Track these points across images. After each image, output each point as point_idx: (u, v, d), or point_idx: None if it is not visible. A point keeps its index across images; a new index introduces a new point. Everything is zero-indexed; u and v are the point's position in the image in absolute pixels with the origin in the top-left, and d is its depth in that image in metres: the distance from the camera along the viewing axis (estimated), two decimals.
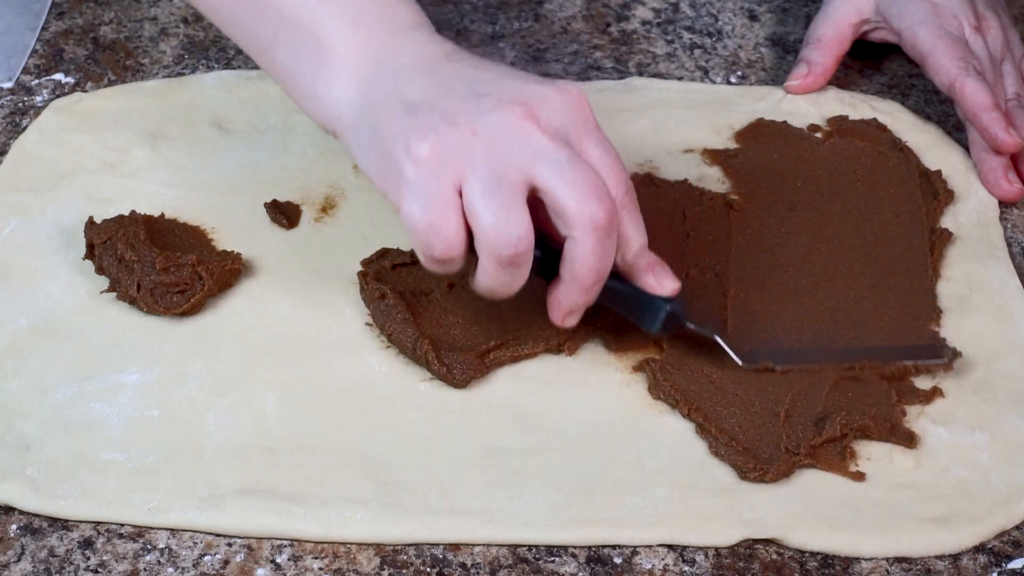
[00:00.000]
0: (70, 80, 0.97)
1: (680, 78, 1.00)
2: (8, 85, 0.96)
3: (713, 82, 1.00)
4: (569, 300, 0.72)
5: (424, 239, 0.69)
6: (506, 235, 0.67)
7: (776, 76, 1.01)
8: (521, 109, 0.68)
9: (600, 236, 0.69)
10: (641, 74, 1.00)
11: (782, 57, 1.03)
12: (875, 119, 0.94)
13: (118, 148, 0.90)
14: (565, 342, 0.78)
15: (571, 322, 0.73)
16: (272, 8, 0.74)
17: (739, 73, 1.01)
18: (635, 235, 0.72)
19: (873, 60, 1.02)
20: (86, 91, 0.96)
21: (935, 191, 0.89)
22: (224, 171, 0.89)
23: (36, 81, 0.97)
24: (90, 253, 0.81)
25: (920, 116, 0.97)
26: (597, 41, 1.03)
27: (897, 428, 0.74)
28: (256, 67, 0.98)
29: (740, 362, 0.76)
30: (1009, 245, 0.87)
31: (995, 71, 0.92)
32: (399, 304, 0.78)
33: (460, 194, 0.68)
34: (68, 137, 0.91)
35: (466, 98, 0.69)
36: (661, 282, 0.73)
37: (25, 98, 0.95)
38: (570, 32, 1.04)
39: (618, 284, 0.74)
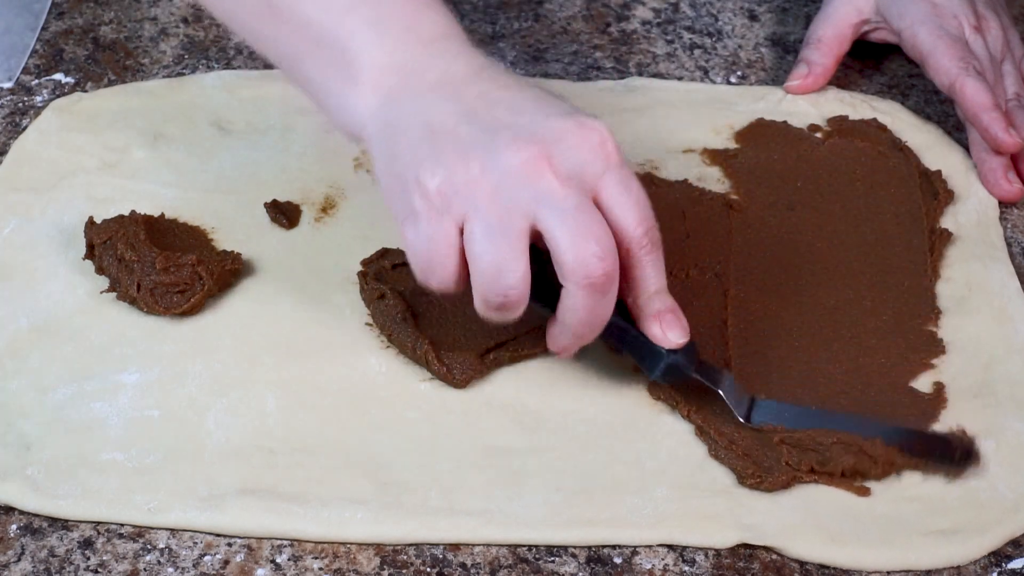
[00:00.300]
0: (70, 80, 0.97)
1: (680, 78, 1.00)
2: (8, 85, 0.96)
3: (713, 82, 1.00)
4: (563, 340, 0.70)
5: (422, 269, 0.68)
6: (499, 283, 0.66)
7: (776, 76, 1.01)
8: (535, 148, 0.66)
9: (594, 292, 0.67)
10: (641, 74, 1.00)
11: (782, 57, 1.03)
12: (875, 119, 0.95)
13: (118, 148, 0.90)
14: None
15: (567, 355, 0.72)
16: (299, 20, 0.73)
17: (739, 73, 1.01)
18: (650, 277, 0.70)
19: (873, 60, 1.02)
20: (86, 91, 0.96)
21: (935, 191, 0.89)
22: (224, 171, 0.89)
23: (36, 81, 0.97)
24: (90, 253, 0.81)
25: (920, 116, 0.97)
26: (597, 41, 1.03)
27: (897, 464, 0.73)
28: (256, 67, 0.98)
29: (742, 419, 0.74)
30: (1009, 245, 0.87)
31: (995, 71, 0.92)
32: (399, 304, 0.78)
33: (463, 231, 0.67)
34: (68, 137, 0.91)
35: (483, 131, 0.67)
36: (667, 334, 0.70)
37: (25, 98, 0.95)
38: (570, 32, 1.04)
39: (623, 323, 0.71)
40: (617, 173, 0.68)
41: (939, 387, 0.77)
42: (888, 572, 0.69)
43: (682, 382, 0.73)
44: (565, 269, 0.66)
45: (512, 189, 0.66)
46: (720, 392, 0.73)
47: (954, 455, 0.72)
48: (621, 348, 0.73)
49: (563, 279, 0.67)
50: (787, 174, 0.90)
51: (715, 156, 0.92)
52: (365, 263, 0.81)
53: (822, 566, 0.69)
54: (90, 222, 0.81)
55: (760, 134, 0.94)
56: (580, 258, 0.66)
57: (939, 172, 0.90)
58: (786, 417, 0.74)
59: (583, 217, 0.66)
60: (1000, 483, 0.72)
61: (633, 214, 0.68)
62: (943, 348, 0.79)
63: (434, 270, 0.68)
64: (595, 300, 0.67)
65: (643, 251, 0.69)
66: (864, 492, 0.71)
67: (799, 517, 0.71)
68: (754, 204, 0.88)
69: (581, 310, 0.68)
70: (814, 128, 0.94)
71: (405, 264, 0.80)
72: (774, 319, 0.80)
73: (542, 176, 0.66)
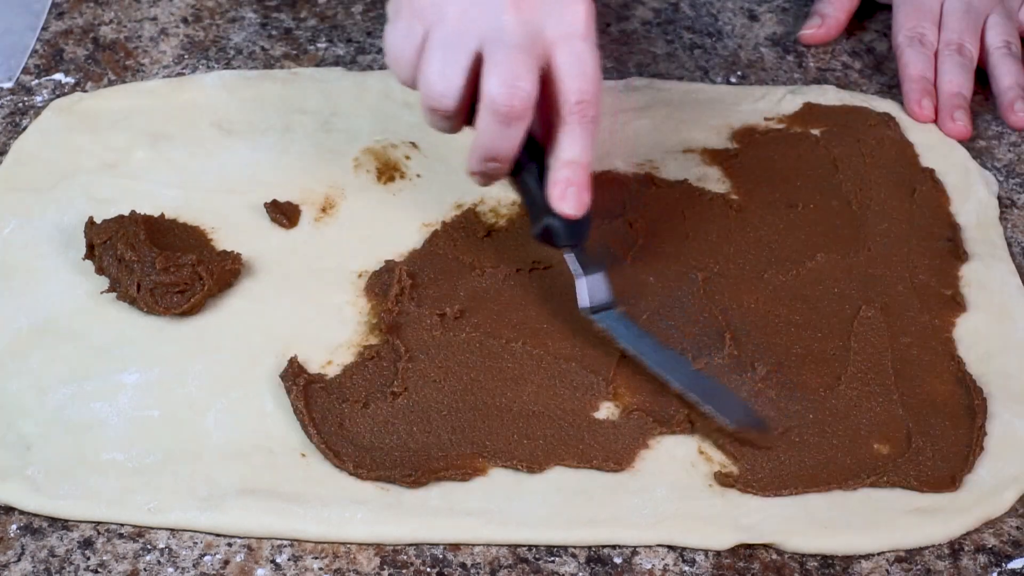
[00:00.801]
0: (70, 80, 0.97)
1: (680, 78, 1.00)
2: (8, 85, 0.96)
3: (713, 82, 1.00)
4: (473, 160, 0.76)
5: (392, 63, 0.76)
6: (433, 89, 0.73)
7: (776, 76, 1.01)
8: None
9: (497, 120, 0.72)
10: (641, 74, 1.00)
11: (782, 57, 1.03)
12: (876, 117, 0.95)
13: (118, 148, 0.90)
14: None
15: (480, 181, 0.77)
16: None
17: (739, 73, 1.01)
18: (567, 145, 0.74)
19: (873, 60, 1.02)
20: (86, 91, 0.96)
21: (935, 190, 0.89)
22: (224, 171, 0.89)
23: (36, 81, 0.97)
24: (90, 253, 0.81)
25: None
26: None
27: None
28: (256, 67, 0.98)
29: (583, 304, 0.77)
30: (1009, 245, 0.87)
31: (968, 23, 0.97)
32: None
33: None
34: (68, 137, 0.91)
35: None
36: (562, 201, 0.74)
37: (25, 98, 0.95)
38: None
39: (532, 174, 0.76)
40: (578, 43, 0.73)
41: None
42: (887, 567, 0.70)
43: (554, 248, 0.77)
44: (483, 92, 0.72)
45: (477, 14, 0.72)
46: (576, 280, 0.77)
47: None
48: (522, 195, 0.78)
49: (480, 102, 0.73)
50: (787, 174, 0.90)
51: (715, 156, 0.92)
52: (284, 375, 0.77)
53: (821, 566, 0.70)
54: (90, 222, 0.81)
55: (760, 134, 0.94)
56: (494, 86, 0.71)
57: (932, 171, 0.91)
58: (624, 333, 0.76)
59: (515, 56, 0.71)
60: (981, 468, 0.73)
61: (575, 84, 0.73)
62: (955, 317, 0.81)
63: (399, 66, 0.75)
64: (498, 128, 0.73)
65: (571, 118, 0.73)
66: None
67: (794, 513, 0.71)
68: (754, 204, 0.88)
69: (485, 133, 0.73)
70: (806, 117, 0.94)
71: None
72: (774, 318, 0.80)
73: (505, 11, 0.72)
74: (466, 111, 0.75)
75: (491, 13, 0.72)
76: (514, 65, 0.71)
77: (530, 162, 0.76)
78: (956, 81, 0.96)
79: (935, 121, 0.95)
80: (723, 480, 0.72)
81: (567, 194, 0.74)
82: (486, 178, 0.77)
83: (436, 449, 0.73)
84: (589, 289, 0.77)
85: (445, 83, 0.73)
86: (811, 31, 1.03)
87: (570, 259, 0.77)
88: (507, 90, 0.71)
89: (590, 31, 0.74)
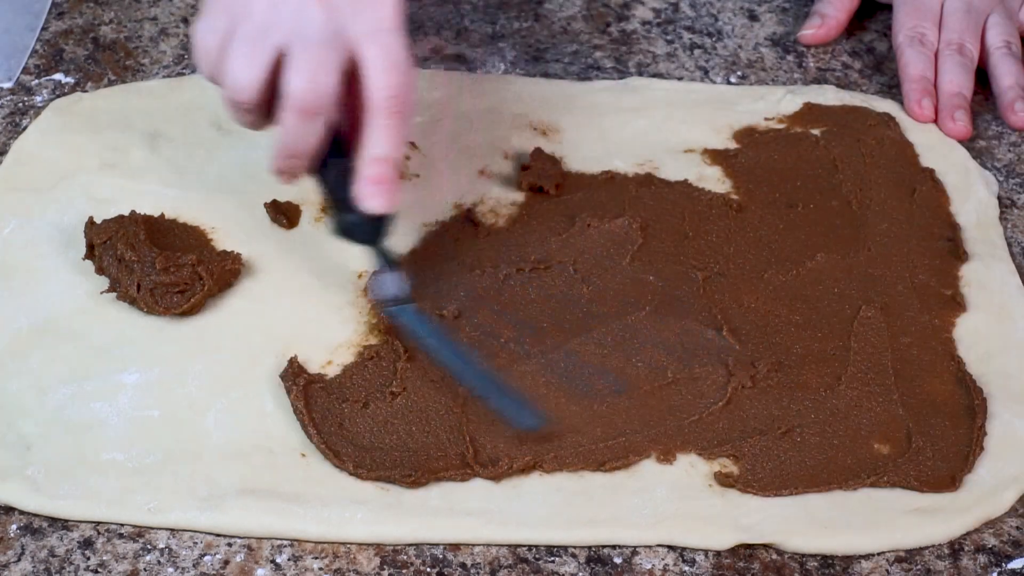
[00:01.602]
0: (70, 80, 0.97)
1: (680, 78, 1.00)
2: (8, 85, 0.96)
3: (713, 82, 1.00)
4: (276, 158, 0.75)
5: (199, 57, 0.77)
6: (232, 82, 0.73)
7: (776, 76, 1.01)
8: None
9: (295, 116, 0.72)
10: (641, 74, 1.00)
11: (782, 57, 1.03)
12: (876, 117, 0.95)
13: (118, 148, 0.90)
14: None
15: (283, 179, 0.77)
16: None
17: (739, 73, 1.01)
18: (377, 141, 0.73)
19: (873, 60, 1.02)
20: (86, 91, 0.96)
21: (935, 190, 0.89)
22: (224, 171, 0.89)
23: (36, 81, 0.97)
24: (90, 253, 0.81)
25: None
26: (597, 41, 1.03)
27: None
28: None
29: (373, 296, 0.78)
30: (1009, 245, 0.87)
31: (968, 22, 0.97)
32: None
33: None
34: (68, 137, 0.91)
35: None
36: (367, 198, 0.74)
37: (25, 98, 0.95)
38: (570, 32, 1.04)
39: (334, 172, 0.76)
40: (386, 37, 0.73)
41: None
42: (887, 567, 0.70)
43: (353, 243, 0.78)
44: (283, 89, 0.72)
45: (284, 10, 0.72)
46: (373, 274, 0.78)
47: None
48: (324, 191, 0.78)
49: (282, 98, 0.73)
50: (787, 173, 0.90)
51: (715, 156, 0.92)
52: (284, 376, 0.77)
53: (821, 566, 0.70)
54: (90, 222, 0.81)
55: (760, 133, 0.94)
56: (294, 81, 0.71)
57: (932, 171, 0.91)
58: (418, 330, 0.76)
59: (316, 52, 0.71)
60: (982, 468, 0.73)
61: (384, 78, 0.72)
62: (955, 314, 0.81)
63: (204, 59, 0.75)
64: (299, 124, 0.73)
65: (379, 114, 0.73)
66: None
67: (794, 513, 0.71)
68: (754, 203, 0.88)
69: (287, 129, 0.73)
70: (807, 117, 0.94)
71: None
72: (774, 318, 0.80)
73: (310, 7, 0.72)
74: (268, 106, 0.74)
75: (296, 9, 0.72)
76: (315, 61, 0.71)
77: (333, 159, 0.75)
78: (956, 81, 0.96)
79: (935, 121, 0.95)
80: (723, 480, 0.72)
81: (376, 192, 0.74)
82: (287, 176, 0.77)
83: (436, 449, 0.73)
84: (385, 283, 0.77)
85: (247, 76, 0.72)
86: (811, 31, 1.03)
87: (371, 255, 0.78)
88: (307, 85, 0.71)
89: (398, 25, 0.73)
